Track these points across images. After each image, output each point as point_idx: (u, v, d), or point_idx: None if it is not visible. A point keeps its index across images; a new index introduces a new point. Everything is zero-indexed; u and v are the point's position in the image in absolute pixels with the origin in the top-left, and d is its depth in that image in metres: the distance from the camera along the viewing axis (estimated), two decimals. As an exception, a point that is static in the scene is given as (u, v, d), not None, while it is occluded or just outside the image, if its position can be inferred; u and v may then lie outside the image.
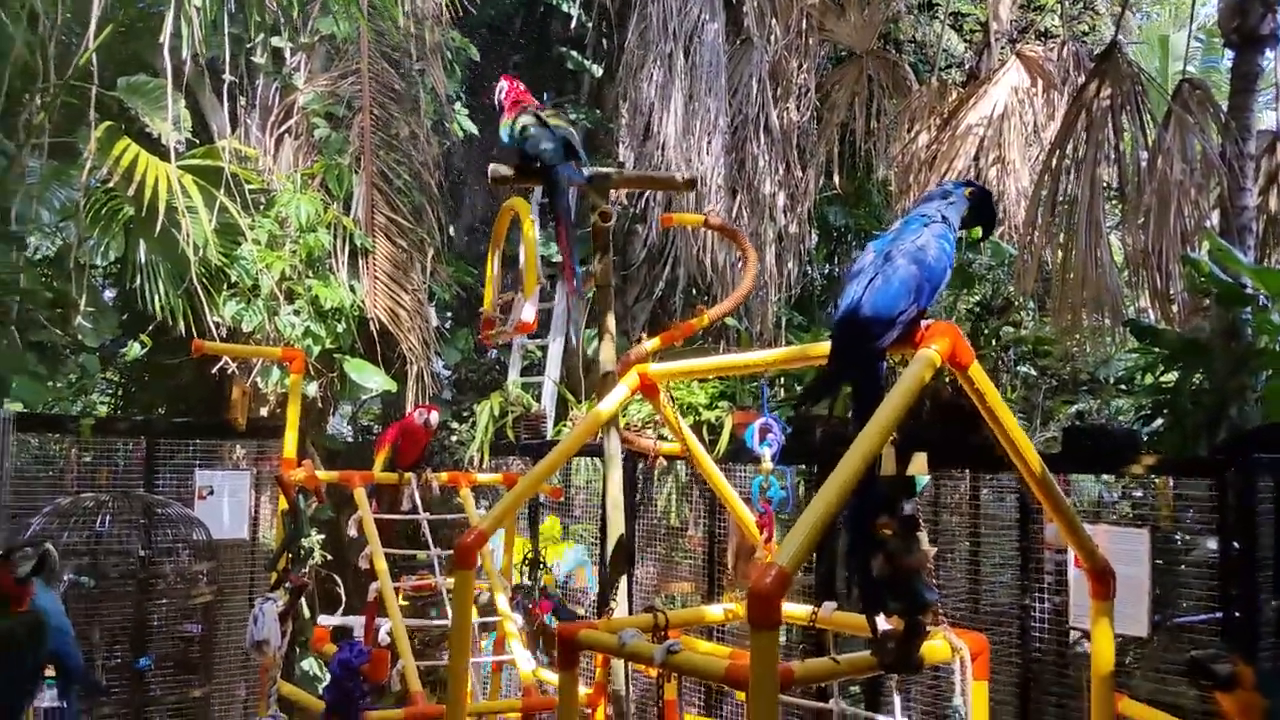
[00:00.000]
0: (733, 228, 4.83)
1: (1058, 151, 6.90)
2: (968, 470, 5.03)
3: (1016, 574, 4.72)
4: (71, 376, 6.86)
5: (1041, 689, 4.50)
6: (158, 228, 6.08)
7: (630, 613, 3.84)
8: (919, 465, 2.51)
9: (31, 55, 5.41)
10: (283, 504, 4.90)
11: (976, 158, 8.23)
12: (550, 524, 6.07)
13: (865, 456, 2.19)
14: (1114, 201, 8.29)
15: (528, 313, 3.89)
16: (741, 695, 5.01)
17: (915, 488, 2.51)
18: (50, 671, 3.86)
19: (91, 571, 5.52)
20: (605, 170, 3.97)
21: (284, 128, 7.35)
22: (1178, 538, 4.52)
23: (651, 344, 4.17)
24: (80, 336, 6.47)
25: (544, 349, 9.00)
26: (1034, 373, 8.63)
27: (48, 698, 4.33)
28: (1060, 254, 7.13)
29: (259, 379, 6.85)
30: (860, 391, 2.47)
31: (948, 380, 4.78)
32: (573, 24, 9.38)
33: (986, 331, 8.25)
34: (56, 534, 5.43)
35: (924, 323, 2.45)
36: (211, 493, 6.24)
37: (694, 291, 9.39)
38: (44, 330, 6.33)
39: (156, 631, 5.91)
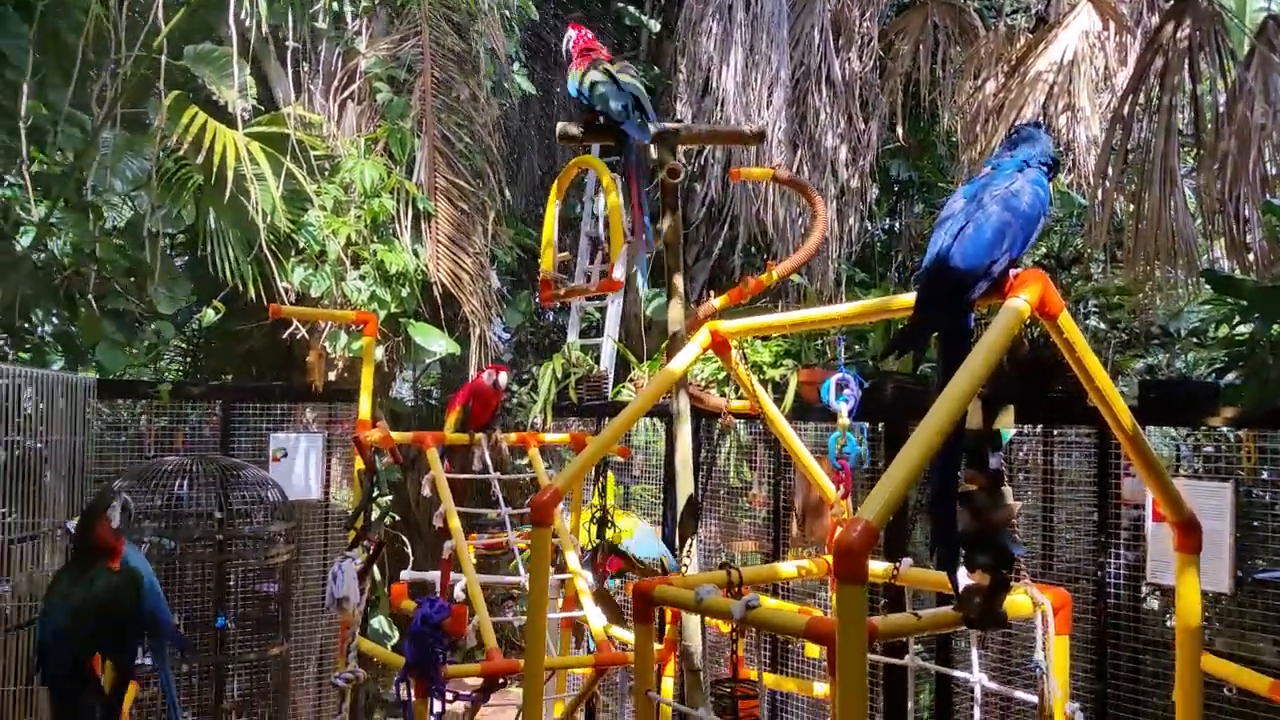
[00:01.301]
0: (802, 180, 4.75)
1: (1131, 97, 6.68)
2: (1040, 425, 4.97)
3: (1090, 530, 4.66)
4: (147, 343, 7.02)
5: (1117, 645, 4.45)
6: (227, 195, 6.17)
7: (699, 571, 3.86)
8: (1006, 419, 2.47)
9: (103, 28, 5.49)
10: (358, 464, 4.99)
11: (1045, 106, 8.01)
12: (609, 486, 6.11)
13: (953, 410, 2.16)
14: (1189, 148, 8.04)
15: (617, 271, 3.87)
16: (812, 651, 5.02)
17: (1002, 441, 2.48)
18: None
19: (171, 533, 5.68)
20: (673, 126, 3.92)
21: (347, 93, 7.40)
22: (1259, 492, 4.42)
23: (719, 301, 4.14)
24: (155, 304, 6.61)
25: (603, 310, 9.02)
26: (1104, 326, 8.45)
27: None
28: (1132, 204, 6.93)
29: (328, 343, 6.95)
30: (948, 344, 2.42)
31: (1022, 335, 4.71)
32: (630, -21, 9.29)
33: (1057, 284, 8.08)
34: (137, 497, 5.59)
35: (1013, 272, 2.39)
36: (285, 455, 6.37)
37: (754, 250, 9.32)
38: (120, 298, 6.48)
39: (235, 591, 6.08)
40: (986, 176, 2.52)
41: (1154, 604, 5.03)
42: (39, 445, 5.49)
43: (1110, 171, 6.95)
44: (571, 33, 4.02)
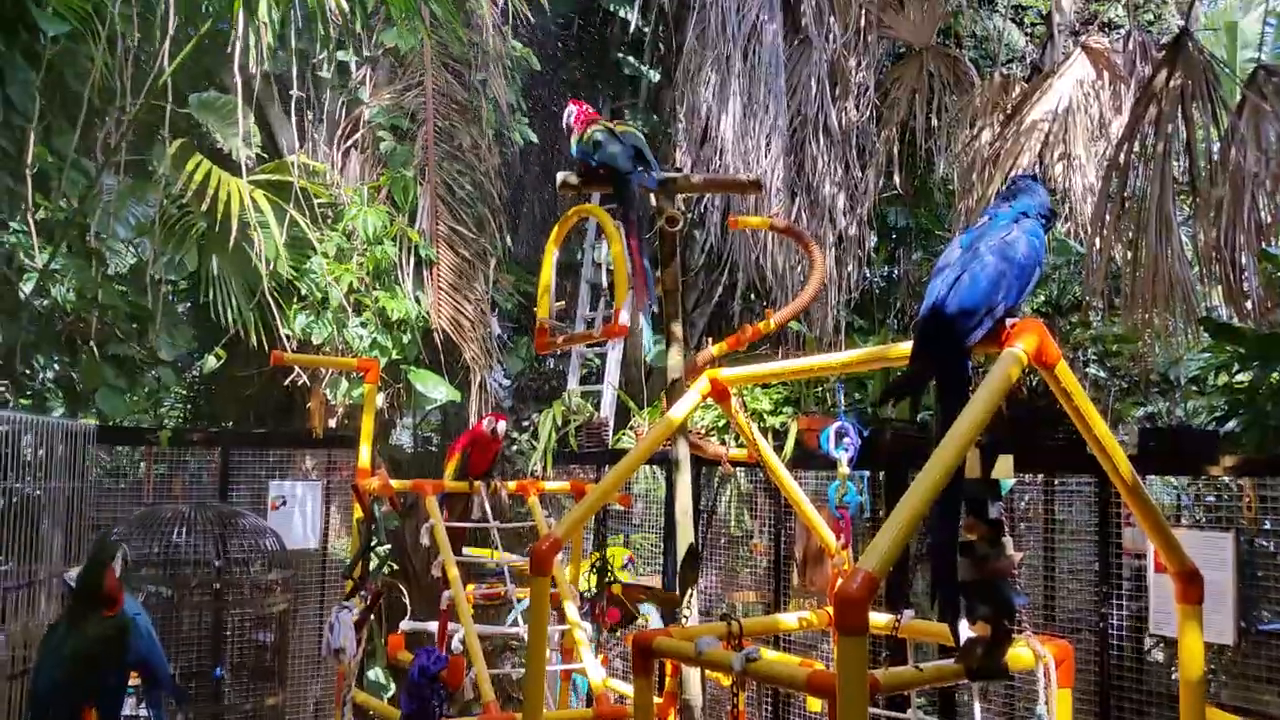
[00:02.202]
0: (798, 230, 4.78)
1: (1126, 145, 6.75)
2: (1041, 475, 4.95)
3: (1092, 580, 4.63)
4: (148, 389, 7.03)
5: (1121, 697, 4.40)
6: (230, 242, 6.21)
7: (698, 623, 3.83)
8: (1004, 468, 2.47)
9: (108, 76, 5.56)
10: (356, 513, 4.97)
11: (1041, 154, 8.08)
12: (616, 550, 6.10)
13: (952, 458, 2.16)
14: (1184, 196, 8.09)
15: (623, 317, 3.88)
16: (814, 705, 4.96)
17: (1001, 491, 2.47)
18: (134, 679, 3.95)
19: (169, 581, 5.64)
20: (671, 174, 3.96)
21: (350, 141, 7.48)
22: (1261, 542, 4.40)
23: (716, 348, 4.15)
24: (157, 350, 6.62)
25: (603, 357, 9.04)
26: (1103, 374, 8.46)
27: (128, 705, 4.44)
28: (1129, 251, 6.97)
29: (328, 391, 6.96)
30: (946, 391, 2.43)
31: (1020, 383, 4.72)
32: (630, 29, 9.41)
33: (1056, 332, 8.10)
34: (135, 544, 5.57)
35: (1009, 321, 2.40)
36: (284, 503, 6.36)
37: (754, 296, 9.35)
38: (122, 344, 6.50)
39: (232, 640, 6.03)
40: (983, 226, 2.55)
41: (1159, 656, 4.98)
42: (37, 492, 5.47)
43: (1107, 219, 6.99)
44: (572, 108, 4.07)
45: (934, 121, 9.11)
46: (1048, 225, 2.56)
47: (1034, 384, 4.73)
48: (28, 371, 6.69)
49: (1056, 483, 4.89)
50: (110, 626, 3.55)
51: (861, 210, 9.01)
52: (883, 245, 10.57)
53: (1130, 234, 6.97)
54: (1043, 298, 8.69)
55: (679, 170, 8.19)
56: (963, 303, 2.40)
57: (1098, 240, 7.08)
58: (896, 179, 9.40)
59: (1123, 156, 6.78)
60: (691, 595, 3.58)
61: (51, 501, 5.54)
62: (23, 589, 5.17)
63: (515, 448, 8.18)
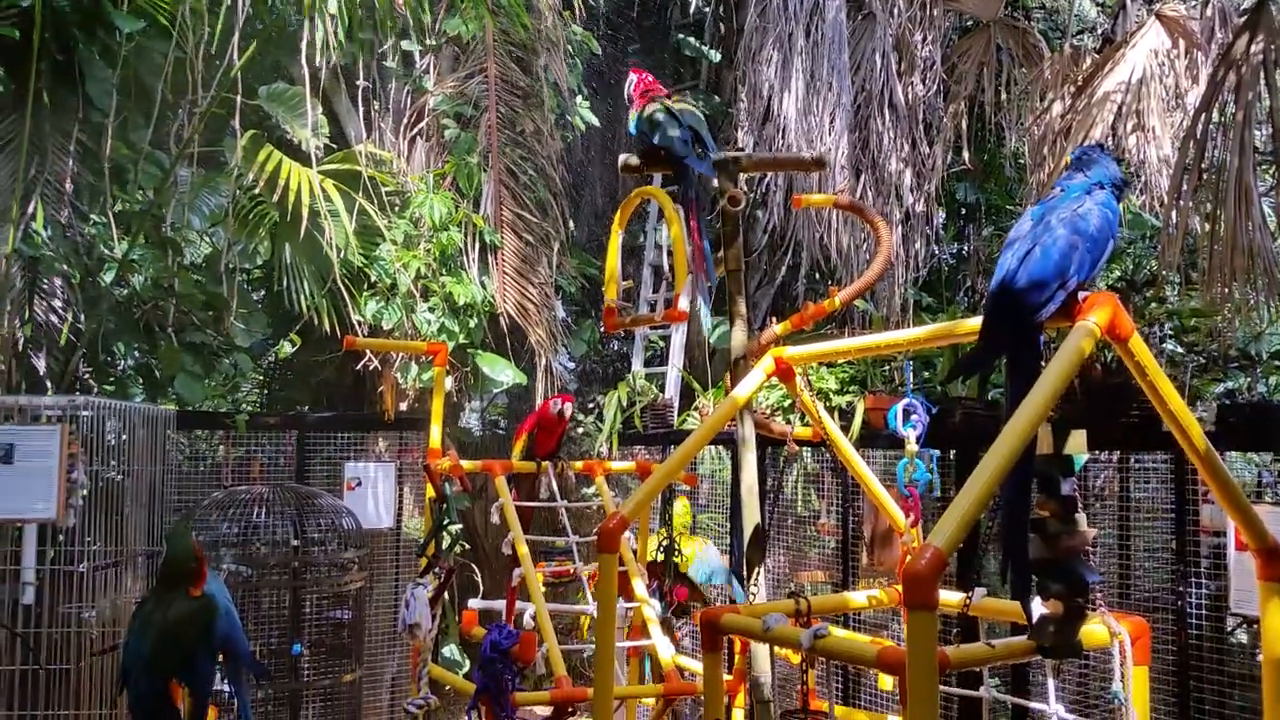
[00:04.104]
0: (863, 205, 4.74)
1: (1203, 114, 6.54)
2: (1116, 452, 4.85)
3: (1170, 559, 4.53)
4: (225, 375, 7.22)
5: (1201, 679, 4.31)
6: (301, 231, 6.34)
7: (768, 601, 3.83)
8: (1077, 443, 2.43)
9: (180, 70, 5.71)
10: (428, 492, 5.06)
11: (1114, 126, 7.88)
12: (683, 511, 6.10)
13: (1023, 434, 2.13)
14: (1266, 165, 7.84)
15: (682, 302, 3.89)
16: (883, 684, 4.94)
17: (1074, 467, 2.44)
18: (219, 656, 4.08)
19: (248, 561, 5.80)
20: (733, 154, 3.94)
21: (415, 130, 7.59)
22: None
23: (781, 327, 4.14)
24: (232, 337, 6.80)
25: (666, 339, 9.06)
26: (1180, 350, 8.24)
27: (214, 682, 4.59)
28: (1208, 223, 6.78)
29: (399, 375, 7.09)
30: (1016, 367, 2.39)
31: (1097, 360, 4.62)
32: (690, 10, 9.37)
33: (1132, 307, 7.91)
34: (215, 525, 5.74)
35: (1081, 295, 2.36)
36: (359, 484, 6.49)
37: (818, 276, 9.29)
38: (198, 331, 6.68)
39: (310, 618, 6.18)
40: (1054, 198, 2.50)
41: (1242, 637, 4.86)
42: (120, 476, 5.66)
43: (1184, 190, 6.80)
44: (632, 76, 4.08)
45: (1003, 95, 8.93)
46: (1120, 196, 2.51)
47: (1109, 360, 4.63)
48: (109, 359, 6.91)
49: (1132, 460, 4.79)
50: (195, 605, 3.67)
51: (929, 186, 8.88)
52: (951, 222, 10.40)
53: (1208, 206, 6.77)
54: (1118, 273, 8.48)
55: (740, 150, 8.18)
56: (1033, 276, 2.36)
57: (1174, 213, 6.90)
58: (965, 154, 9.24)
59: (1200, 127, 6.57)
60: (758, 574, 3.59)
61: (135, 484, 5.73)
62: (110, 568, 5.36)
63: (581, 430, 8.25)
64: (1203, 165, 6.68)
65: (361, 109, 7.42)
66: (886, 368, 6.35)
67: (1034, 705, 3.51)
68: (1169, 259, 7.27)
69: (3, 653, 5.06)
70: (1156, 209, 8.03)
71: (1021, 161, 9.53)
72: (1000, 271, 2.42)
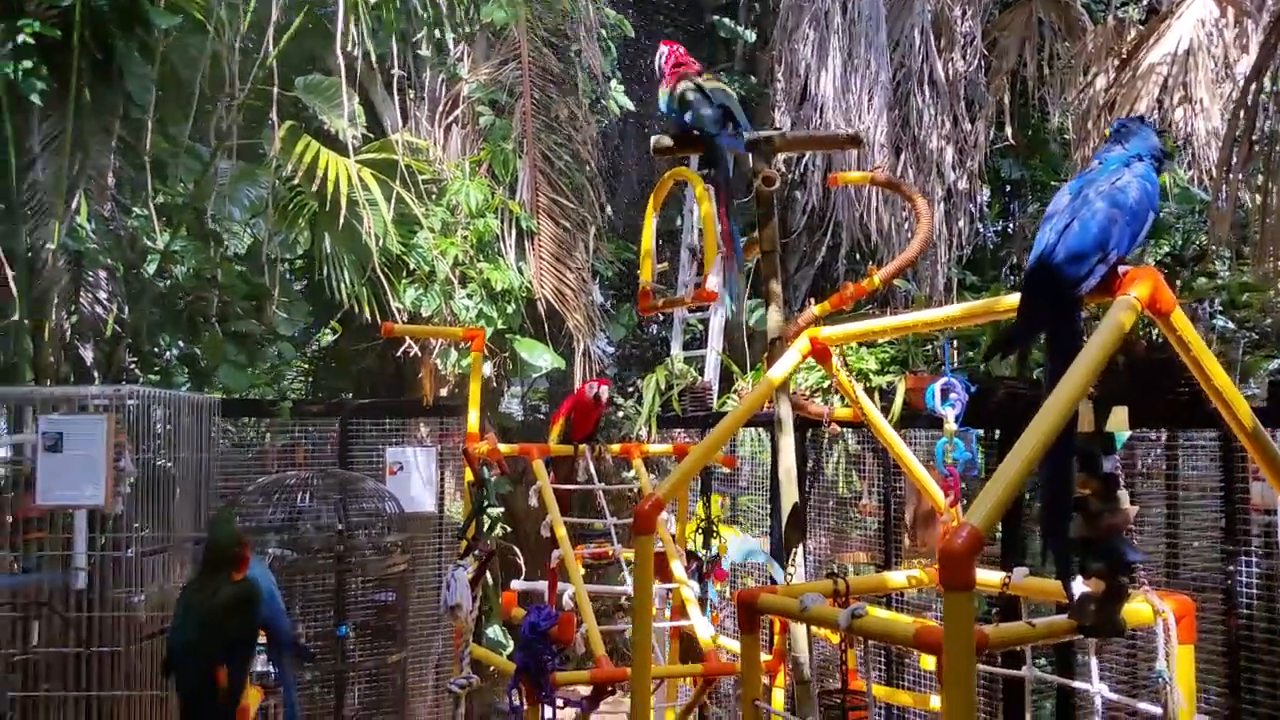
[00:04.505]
0: (900, 182, 4.68)
1: (1254, 84, 6.37)
2: (1163, 430, 4.76)
3: (1219, 538, 4.44)
4: (269, 364, 7.32)
5: (1252, 659, 4.23)
6: (340, 220, 6.40)
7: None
8: (1119, 420, 2.39)
9: (217, 64, 5.77)
10: (468, 476, 5.10)
11: (1160, 99, 7.70)
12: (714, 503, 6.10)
13: (1063, 411, 2.09)
14: (1320, 136, 7.61)
15: (711, 281, 3.87)
16: (925, 664, 4.91)
17: (1115, 444, 2.39)
18: (262, 638, 4.14)
19: (293, 545, 5.87)
20: (767, 133, 3.91)
21: (451, 118, 7.62)
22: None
23: (819, 308, 4.10)
24: (274, 326, 6.88)
25: (705, 322, 9.03)
26: (1232, 326, 8.06)
27: (259, 663, 4.67)
28: (1259, 196, 6.61)
29: (438, 361, 7.14)
30: (1056, 343, 2.35)
31: (1141, 336, 4.53)
32: (725, -9, 9.31)
33: (1180, 283, 7.75)
34: (260, 510, 5.82)
35: (1122, 269, 2.31)
36: (401, 468, 6.55)
37: (858, 257, 9.21)
38: (241, 321, 6.77)
39: (354, 600, 6.26)
40: (1093, 171, 2.45)
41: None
42: (168, 464, 5.76)
43: (1234, 163, 6.64)
44: (663, 49, 4.05)
45: (1045, 70, 8.77)
46: (1160, 168, 2.45)
47: (1155, 336, 4.54)
48: (154, 349, 7.03)
49: (1180, 438, 4.70)
50: (238, 590, 3.73)
51: (972, 164, 8.76)
52: (995, 199, 10.26)
53: (1259, 178, 6.61)
54: (1166, 249, 8.33)
55: (778, 130, 8.11)
56: (1072, 250, 2.32)
57: (1224, 186, 6.74)
58: (1008, 130, 9.10)
59: (1251, 96, 6.41)
60: (796, 554, 3.57)
61: (182, 471, 5.83)
62: (158, 554, 5.46)
63: (622, 414, 8.26)
64: (1253, 136, 6.51)
65: (397, 98, 7.46)
66: (929, 347, 6.27)
67: (1078, 685, 3.47)
68: (1219, 234, 7.11)
69: (56, 636, 5.18)
70: (1205, 183, 7.85)
71: (1066, 137, 9.36)
72: (1038, 246, 2.38)
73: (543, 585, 4.92)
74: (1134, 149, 2.46)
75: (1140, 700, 3.32)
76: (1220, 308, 8.01)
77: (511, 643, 7.22)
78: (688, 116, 3.79)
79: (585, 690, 4.22)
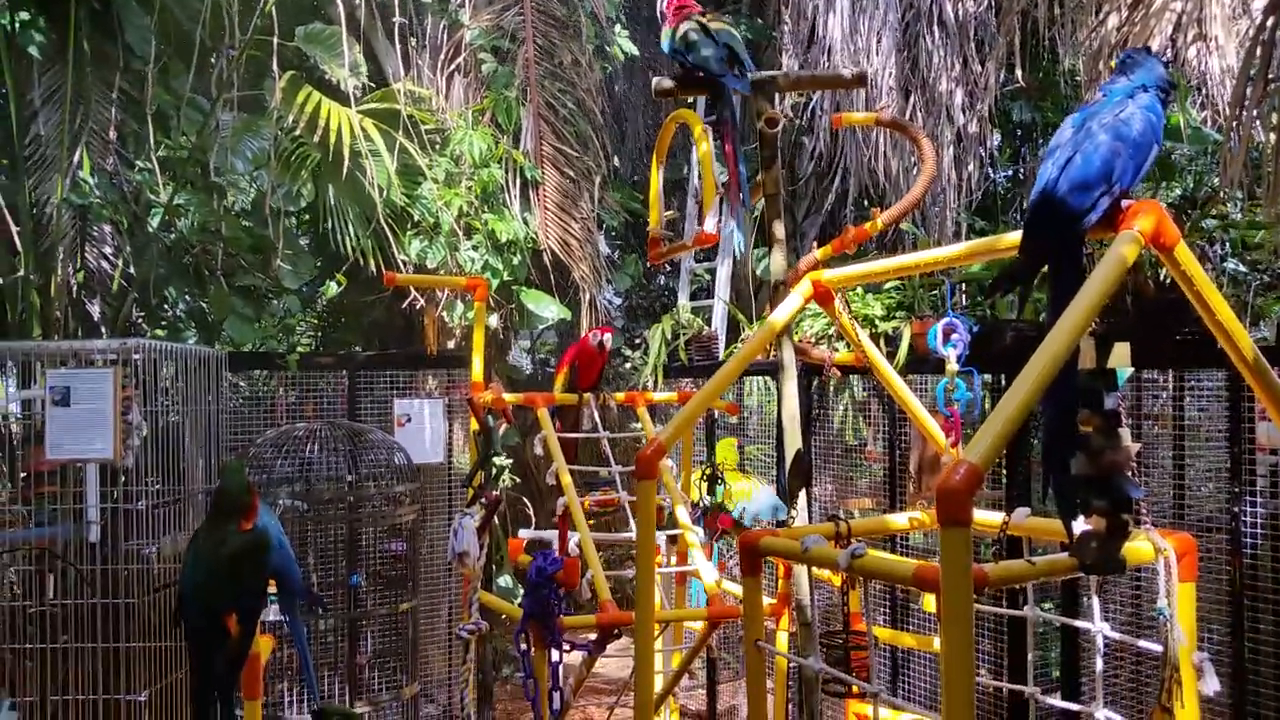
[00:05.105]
0: (904, 122, 4.62)
1: (1272, 17, 6.23)
2: (1171, 372, 4.74)
3: (1225, 480, 4.43)
4: (275, 316, 7.33)
5: (1256, 598, 4.24)
6: (344, 172, 6.37)
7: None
8: (1120, 356, 2.36)
9: (217, 14, 5.70)
10: (474, 426, 5.11)
11: (1173, 37, 7.55)
12: (725, 447, 6.09)
13: (1064, 347, 2.07)
14: (1337, 73, 7.46)
15: (709, 224, 3.83)
16: (928, 606, 4.94)
17: (1118, 381, 2.37)
18: (272, 588, 4.19)
19: (304, 496, 5.92)
20: (771, 73, 3.84)
21: (453, 66, 7.53)
22: None
23: (821, 252, 4.07)
24: (280, 279, 6.88)
25: (712, 272, 8.99)
26: (1243, 269, 7.98)
27: (271, 612, 4.73)
28: (1274, 134, 6.51)
29: (445, 313, 7.13)
30: (1058, 278, 2.32)
31: (1149, 276, 4.49)
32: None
33: (1189, 224, 7.66)
34: (270, 462, 5.86)
35: (1125, 203, 2.27)
36: (409, 420, 6.58)
37: (866, 203, 9.12)
38: (247, 274, 6.77)
39: (365, 550, 6.33)
40: (1096, 104, 2.40)
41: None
42: (178, 417, 5.79)
43: (1248, 100, 6.52)
44: None
45: (1057, 10, 8.60)
46: (1166, 100, 2.40)
47: (1164, 277, 4.49)
48: (161, 303, 7.04)
49: (1187, 379, 4.68)
50: (246, 539, 3.76)
51: (982, 107, 8.64)
52: (1006, 143, 10.13)
53: (1275, 117, 6.49)
54: (1178, 191, 8.20)
55: (781, 71, 8.00)
56: (1075, 183, 2.28)
57: (1237, 123, 6.62)
58: (1019, 72, 8.95)
59: (1266, 33, 6.27)
60: (796, 501, 3.58)
61: (192, 425, 5.87)
62: (169, 507, 5.52)
63: (629, 364, 8.25)
64: (1269, 73, 6.39)
65: (399, 46, 7.38)
66: (936, 292, 6.23)
67: (1080, 624, 3.48)
68: (1231, 174, 6.99)
69: (72, 588, 5.25)
70: (1219, 124, 7.73)
71: (1078, 79, 9.20)
72: (1041, 180, 2.34)
73: (550, 534, 4.96)
74: (1139, 80, 2.41)
75: (1142, 639, 3.33)
76: (1231, 249, 7.92)
77: (521, 590, 7.29)
78: (691, 57, 3.73)
79: (592, 635, 4.27)
